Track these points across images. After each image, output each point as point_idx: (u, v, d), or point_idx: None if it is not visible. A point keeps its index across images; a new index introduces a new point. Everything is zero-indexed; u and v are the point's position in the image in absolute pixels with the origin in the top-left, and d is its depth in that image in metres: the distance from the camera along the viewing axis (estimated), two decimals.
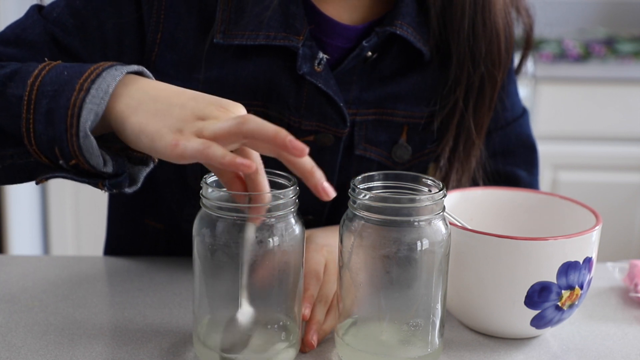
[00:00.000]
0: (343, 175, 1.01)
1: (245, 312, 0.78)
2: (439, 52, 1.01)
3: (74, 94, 0.76)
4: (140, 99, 0.76)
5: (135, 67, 0.80)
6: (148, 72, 0.81)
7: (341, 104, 0.96)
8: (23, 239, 2.49)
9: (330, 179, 0.99)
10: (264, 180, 0.76)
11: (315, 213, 1.02)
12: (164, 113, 0.74)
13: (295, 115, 0.96)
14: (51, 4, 0.95)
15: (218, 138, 0.72)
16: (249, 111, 0.94)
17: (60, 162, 0.78)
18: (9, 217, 2.44)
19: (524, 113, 1.14)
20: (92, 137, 0.75)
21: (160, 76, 0.94)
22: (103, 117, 0.77)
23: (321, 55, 0.95)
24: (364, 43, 0.96)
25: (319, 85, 0.95)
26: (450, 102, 1.01)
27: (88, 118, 0.75)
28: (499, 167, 1.10)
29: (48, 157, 0.79)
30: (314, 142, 0.98)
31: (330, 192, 0.72)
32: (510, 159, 1.11)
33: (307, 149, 0.71)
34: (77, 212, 2.51)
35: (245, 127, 0.71)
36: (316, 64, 0.95)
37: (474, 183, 1.08)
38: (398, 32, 0.96)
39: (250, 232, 0.75)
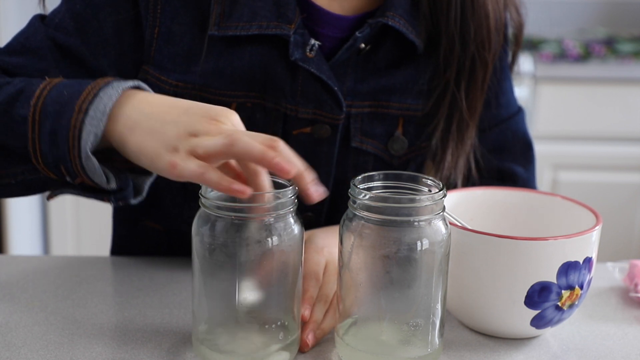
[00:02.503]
0: (340, 169, 1.02)
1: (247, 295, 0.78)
2: (430, 40, 1.02)
3: (74, 115, 0.79)
4: (136, 119, 0.78)
5: (130, 83, 0.81)
6: (144, 85, 0.83)
7: (335, 88, 0.97)
8: (23, 239, 2.49)
9: (327, 172, 1.00)
10: (264, 181, 0.77)
11: (315, 210, 1.02)
12: (159, 131, 0.76)
13: (292, 103, 0.97)
14: (52, 12, 0.97)
15: (210, 156, 0.74)
16: (246, 103, 0.97)
17: (68, 179, 0.81)
18: (9, 217, 2.44)
19: (519, 111, 1.14)
20: (93, 158, 0.78)
21: (159, 70, 0.96)
22: (104, 136, 0.79)
23: (313, 41, 0.96)
24: (357, 34, 0.97)
25: (312, 70, 0.96)
26: (441, 83, 1.02)
27: (88, 140, 0.78)
28: (496, 163, 1.11)
29: (56, 174, 0.82)
30: (310, 134, 0.99)
31: (317, 195, 0.74)
32: (506, 155, 1.12)
33: (293, 170, 0.73)
34: (77, 212, 2.51)
35: (234, 150, 0.73)
36: (308, 50, 0.96)
37: (470, 175, 1.09)
38: (390, 23, 0.97)
39: (253, 231, 0.76)
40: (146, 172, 0.85)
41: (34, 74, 0.93)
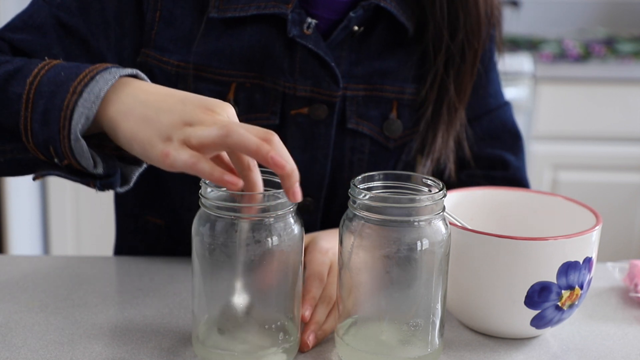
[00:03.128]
0: (338, 151, 1.04)
1: (240, 298, 0.78)
2: (420, 25, 1.04)
3: (68, 96, 0.78)
4: (130, 105, 0.77)
5: (129, 71, 0.81)
6: (142, 75, 0.83)
7: (332, 64, 0.98)
8: (23, 239, 2.49)
9: (325, 154, 1.02)
10: (256, 177, 0.77)
11: (314, 195, 1.03)
12: (153, 119, 0.75)
13: (290, 81, 0.99)
14: None
15: (203, 147, 0.73)
16: (245, 83, 0.98)
17: (55, 160, 0.80)
18: (9, 217, 2.44)
19: (507, 103, 1.17)
20: (82, 140, 0.77)
21: (161, 52, 0.98)
22: (96, 120, 0.78)
23: (309, 20, 0.98)
24: (350, 14, 0.99)
25: (309, 46, 0.97)
26: (432, 68, 1.04)
27: (79, 121, 0.77)
28: (487, 151, 1.13)
29: (44, 155, 0.81)
30: (307, 115, 1.00)
31: (298, 196, 0.74)
32: (497, 144, 1.14)
33: (287, 166, 0.72)
34: (77, 212, 2.51)
35: (229, 141, 0.72)
36: (305, 28, 0.97)
37: (463, 157, 1.10)
38: (382, 4, 0.99)
39: (244, 230, 0.75)
40: (136, 162, 0.84)
41: (38, 48, 0.94)
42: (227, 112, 0.77)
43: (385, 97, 1.04)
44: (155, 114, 0.76)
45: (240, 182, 0.72)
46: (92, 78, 0.78)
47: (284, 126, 1.00)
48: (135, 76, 0.82)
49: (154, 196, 1.09)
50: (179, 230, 1.08)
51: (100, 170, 0.80)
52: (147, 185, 1.07)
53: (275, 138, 0.73)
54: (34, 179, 0.85)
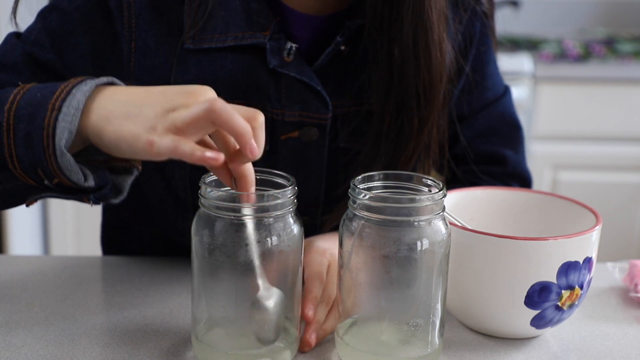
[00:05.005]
0: (332, 171, 1.01)
1: (267, 294, 0.78)
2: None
3: (47, 114, 0.77)
4: (111, 108, 0.77)
5: (104, 79, 0.81)
6: (118, 81, 0.82)
7: (319, 88, 0.96)
8: (23, 239, 2.49)
9: (319, 175, 0.99)
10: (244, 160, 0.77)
11: (310, 214, 1.02)
12: (136, 115, 0.75)
13: (277, 107, 0.96)
14: (27, 29, 0.96)
15: (189, 127, 0.73)
16: None
17: (45, 182, 0.80)
18: (9, 217, 2.44)
19: (505, 92, 1.13)
20: (68, 155, 0.77)
21: (141, 84, 0.94)
22: (79, 132, 0.78)
23: (289, 45, 0.95)
24: (338, 38, 0.96)
25: (292, 74, 0.95)
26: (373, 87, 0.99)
27: (62, 136, 0.76)
28: (485, 147, 1.11)
29: (33, 179, 0.80)
30: (298, 138, 0.98)
31: (255, 151, 0.73)
32: (495, 139, 1.12)
33: (259, 155, 0.73)
34: (77, 212, 2.51)
35: (214, 115, 0.72)
36: (285, 55, 0.95)
37: (461, 158, 1.09)
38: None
39: (250, 228, 0.76)
40: (126, 171, 0.84)
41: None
42: (208, 94, 0.77)
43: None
44: (138, 110, 0.75)
45: (221, 155, 0.72)
46: (68, 92, 0.78)
47: (275, 151, 0.98)
48: (111, 83, 0.81)
49: (147, 218, 1.07)
50: (175, 243, 1.07)
51: (91, 182, 0.79)
52: (139, 210, 1.05)
53: (260, 118, 0.73)
54: (27, 205, 0.84)
